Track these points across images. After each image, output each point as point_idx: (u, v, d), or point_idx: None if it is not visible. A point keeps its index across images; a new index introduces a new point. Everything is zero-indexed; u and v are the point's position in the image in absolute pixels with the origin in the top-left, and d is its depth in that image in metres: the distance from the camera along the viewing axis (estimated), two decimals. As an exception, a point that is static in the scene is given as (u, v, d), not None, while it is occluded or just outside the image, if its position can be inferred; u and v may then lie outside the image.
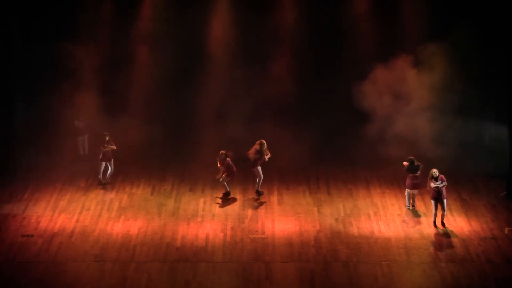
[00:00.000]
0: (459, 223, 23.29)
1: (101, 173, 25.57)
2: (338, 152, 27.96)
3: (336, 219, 23.59)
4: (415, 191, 24.04)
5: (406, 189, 24.09)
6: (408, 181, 23.98)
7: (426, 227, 23.05)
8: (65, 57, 27.83)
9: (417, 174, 23.87)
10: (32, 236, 22.45)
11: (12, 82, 26.57)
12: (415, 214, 23.89)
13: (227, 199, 24.83)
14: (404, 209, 24.20)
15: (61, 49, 27.73)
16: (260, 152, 24.64)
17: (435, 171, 22.81)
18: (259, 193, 24.99)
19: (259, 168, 24.81)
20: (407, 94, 27.57)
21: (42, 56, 28.02)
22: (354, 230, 22.93)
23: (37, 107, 28.60)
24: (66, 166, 26.80)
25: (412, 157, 24.02)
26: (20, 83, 27.32)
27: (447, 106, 27.46)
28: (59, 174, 26.28)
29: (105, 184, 25.61)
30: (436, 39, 27.20)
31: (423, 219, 23.57)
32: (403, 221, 23.47)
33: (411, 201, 24.11)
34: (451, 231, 22.86)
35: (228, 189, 24.93)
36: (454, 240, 22.36)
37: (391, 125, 27.40)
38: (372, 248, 21.91)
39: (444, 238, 22.47)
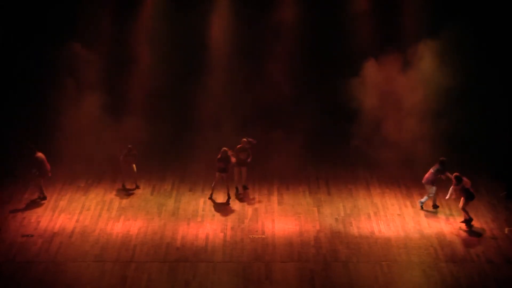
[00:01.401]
0: (459, 223, 23.28)
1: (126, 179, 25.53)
2: (338, 152, 27.90)
3: (336, 219, 23.59)
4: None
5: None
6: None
7: (426, 227, 23.06)
8: (65, 57, 27.82)
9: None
10: (32, 236, 22.46)
11: (13, 82, 26.56)
12: (417, 213, 23.94)
13: (226, 198, 24.89)
14: (404, 209, 24.21)
15: (62, 49, 27.72)
16: (223, 160, 24.49)
17: (457, 175, 22.89)
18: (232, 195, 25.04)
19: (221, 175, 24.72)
20: (406, 93, 27.55)
21: (43, 55, 28.01)
22: (354, 230, 22.93)
23: (37, 106, 28.56)
24: (66, 166, 26.74)
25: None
26: (20, 83, 27.29)
27: (446, 106, 27.44)
28: (59, 174, 26.24)
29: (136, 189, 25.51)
30: (436, 38, 27.19)
31: (422, 219, 23.57)
32: (403, 221, 23.47)
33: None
34: (451, 231, 22.87)
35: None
36: (454, 240, 22.37)
37: (391, 125, 27.38)
38: (372, 248, 21.92)
39: (444, 238, 22.47)
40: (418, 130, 27.14)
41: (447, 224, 23.21)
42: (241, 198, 24.88)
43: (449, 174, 23.55)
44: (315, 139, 28.11)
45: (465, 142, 27.57)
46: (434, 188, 23.86)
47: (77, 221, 23.41)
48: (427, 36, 27.26)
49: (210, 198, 24.78)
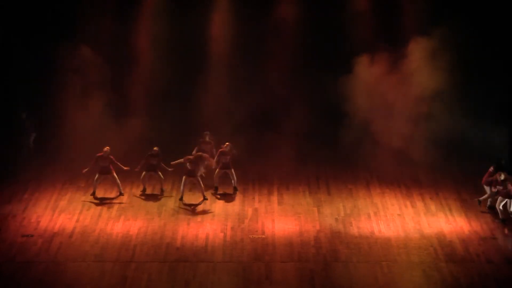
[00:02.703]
0: (459, 223, 23.29)
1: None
2: (338, 152, 27.87)
3: (336, 219, 23.59)
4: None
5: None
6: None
7: (426, 227, 23.05)
8: (66, 57, 27.82)
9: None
10: (32, 236, 22.44)
11: (12, 83, 26.55)
12: (419, 213, 23.95)
13: (226, 198, 24.88)
14: (404, 209, 24.20)
15: (63, 49, 27.72)
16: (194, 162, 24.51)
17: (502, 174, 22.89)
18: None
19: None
20: (406, 93, 27.54)
21: (43, 56, 28.01)
22: (354, 230, 22.93)
23: (37, 107, 28.57)
24: (66, 166, 26.73)
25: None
26: (20, 83, 27.26)
27: (446, 105, 27.44)
28: (59, 174, 26.25)
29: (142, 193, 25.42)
30: (434, 37, 27.19)
31: (422, 219, 23.57)
32: (403, 221, 23.46)
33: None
34: (451, 231, 22.85)
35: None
36: (454, 240, 22.36)
37: (390, 124, 27.37)
38: (372, 248, 21.91)
39: (444, 238, 22.46)
40: (417, 130, 27.15)
41: (447, 224, 23.21)
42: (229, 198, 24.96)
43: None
44: (315, 139, 28.12)
45: (465, 142, 27.59)
46: (488, 189, 23.86)
47: (77, 221, 23.41)
48: (425, 35, 27.25)
49: (181, 199, 24.70)
